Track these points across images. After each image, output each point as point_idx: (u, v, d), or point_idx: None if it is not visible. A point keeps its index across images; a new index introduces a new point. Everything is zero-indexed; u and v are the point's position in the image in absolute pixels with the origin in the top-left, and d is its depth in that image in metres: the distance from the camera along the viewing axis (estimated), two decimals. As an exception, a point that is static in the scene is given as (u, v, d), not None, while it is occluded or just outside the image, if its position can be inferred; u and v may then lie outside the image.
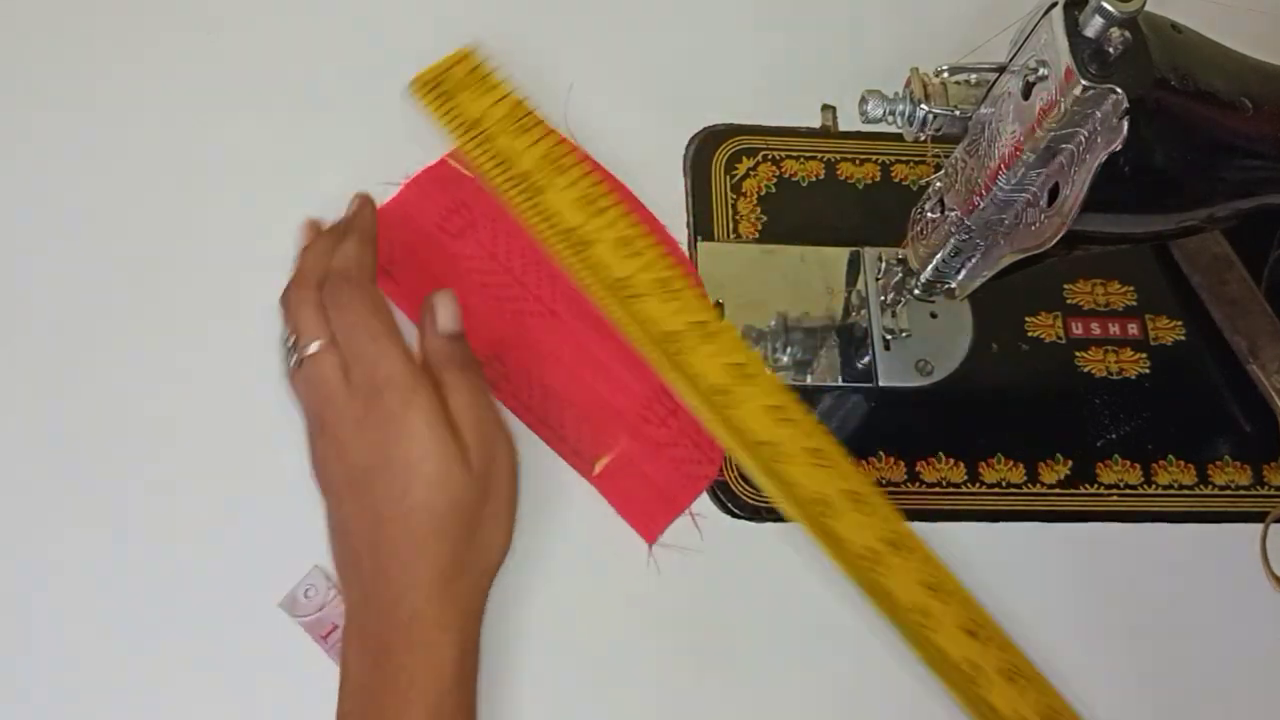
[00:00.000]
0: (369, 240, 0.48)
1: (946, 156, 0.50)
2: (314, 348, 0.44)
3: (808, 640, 0.52)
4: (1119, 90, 0.40)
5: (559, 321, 0.57)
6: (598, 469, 0.54)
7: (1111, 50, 0.40)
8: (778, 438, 0.47)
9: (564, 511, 0.53)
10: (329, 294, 0.45)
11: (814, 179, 0.63)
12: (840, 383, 0.57)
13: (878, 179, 0.63)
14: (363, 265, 0.47)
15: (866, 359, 0.57)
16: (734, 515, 0.54)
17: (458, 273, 0.57)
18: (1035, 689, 0.47)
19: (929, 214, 0.51)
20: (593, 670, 0.50)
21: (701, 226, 0.61)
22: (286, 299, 0.46)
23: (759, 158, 0.63)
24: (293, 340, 0.44)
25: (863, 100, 0.47)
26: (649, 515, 0.53)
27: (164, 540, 0.51)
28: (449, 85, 0.52)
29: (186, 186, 0.59)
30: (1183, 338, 0.60)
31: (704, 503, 0.54)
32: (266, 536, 0.51)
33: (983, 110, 0.46)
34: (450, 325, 0.46)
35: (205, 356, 0.55)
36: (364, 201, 0.50)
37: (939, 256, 0.51)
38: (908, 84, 0.46)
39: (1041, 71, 0.42)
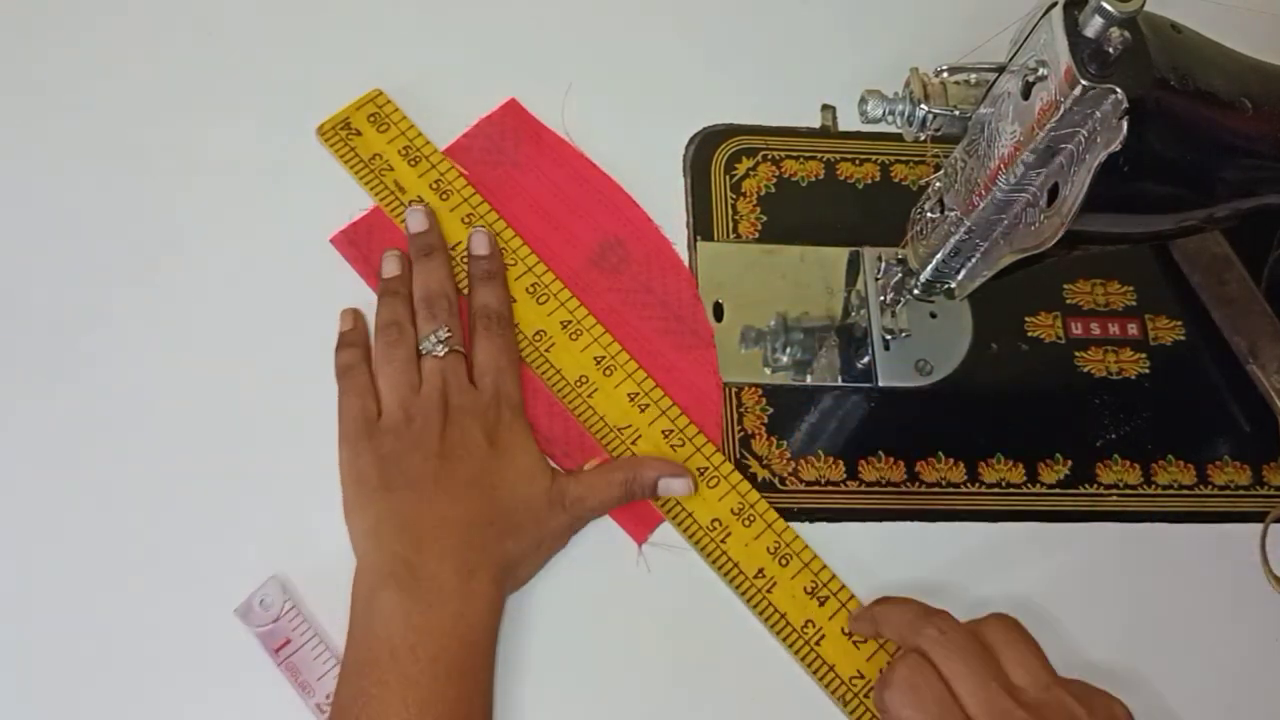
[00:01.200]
0: (506, 283, 0.58)
1: (946, 156, 0.50)
2: (459, 347, 0.54)
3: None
4: (1119, 90, 0.40)
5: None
6: (587, 470, 0.54)
7: (1111, 50, 0.40)
8: (633, 420, 0.55)
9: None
10: (484, 323, 0.55)
11: (814, 179, 0.63)
12: (840, 383, 0.57)
13: (877, 179, 0.63)
14: (509, 306, 0.57)
15: (866, 359, 0.57)
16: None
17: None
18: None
19: (929, 214, 0.51)
20: (582, 668, 0.50)
21: (701, 226, 0.61)
22: (432, 306, 0.55)
23: (759, 158, 0.63)
24: (446, 334, 0.54)
25: (862, 100, 0.47)
26: (638, 516, 0.53)
27: (123, 542, 0.51)
28: (356, 123, 0.61)
29: (173, 191, 0.59)
30: (1182, 338, 0.60)
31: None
32: (228, 543, 0.51)
33: (982, 110, 0.46)
34: (669, 490, 0.53)
35: (168, 363, 0.55)
36: (495, 245, 0.58)
37: (939, 256, 0.51)
38: (907, 84, 0.46)
39: (1041, 71, 0.42)
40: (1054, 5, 0.41)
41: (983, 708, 0.44)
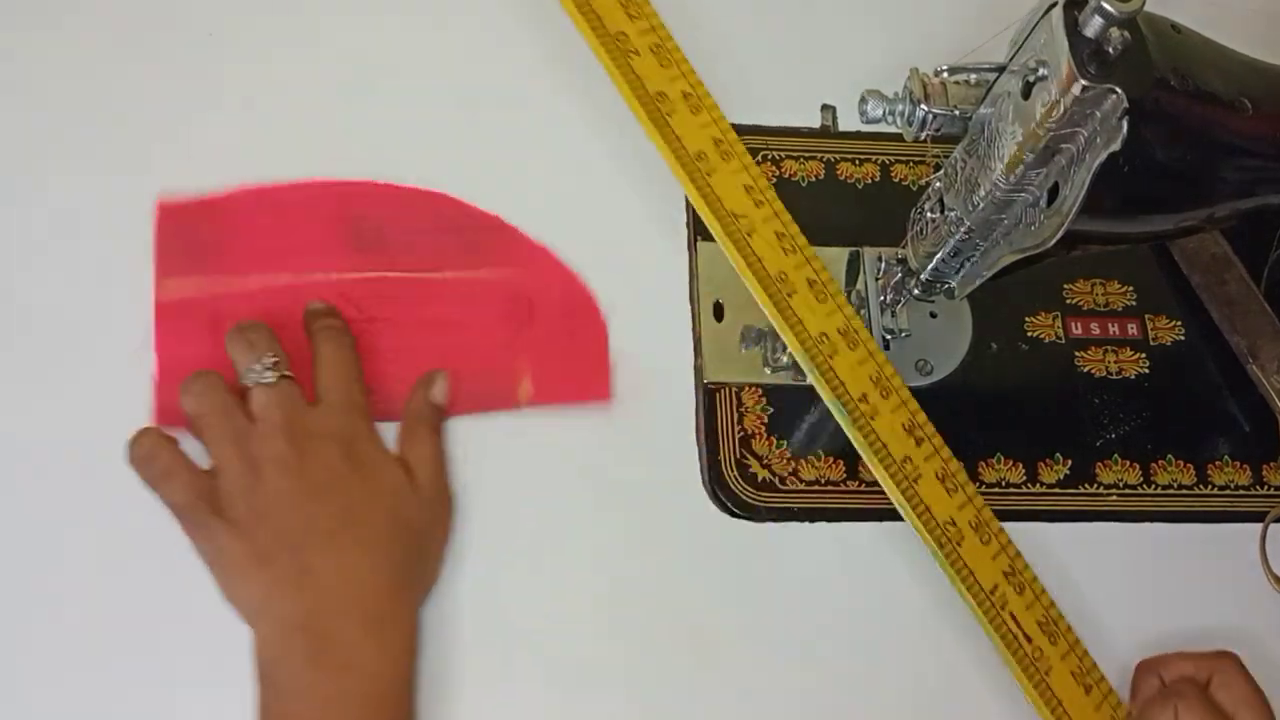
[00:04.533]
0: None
1: (946, 156, 0.50)
2: (288, 373, 0.49)
3: (806, 640, 0.52)
4: (1118, 90, 0.40)
5: (388, 323, 0.55)
6: (525, 392, 0.53)
7: (1111, 50, 0.40)
8: (748, 213, 0.52)
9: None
10: (320, 334, 0.51)
11: (814, 179, 0.63)
12: (840, 382, 0.57)
13: (877, 179, 0.63)
14: (336, 309, 0.53)
15: (866, 359, 0.58)
16: (733, 515, 0.54)
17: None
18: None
19: (929, 214, 0.51)
20: (579, 672, 0.50)
21: (701, 226, 0.61)
22: (247, 336, 0.49)
23: (759, 158, 0.63)
24: (272, 360, 0.48)
25: (863, 100, 0.47)
26: (589, 381, 0.53)
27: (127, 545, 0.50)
28: None
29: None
30: (1182, 338, 0.60)
31: (703, 501, 0.54)
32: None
33: (982, 110, 0.46)
34: (439, 398, 0.52)
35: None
36: None
37: (938, 256, 0.51)
38: (907, 84, 0.46)
39: (1041, 71, 0.42)
40: (1054, 5, 0.41)
41: None
